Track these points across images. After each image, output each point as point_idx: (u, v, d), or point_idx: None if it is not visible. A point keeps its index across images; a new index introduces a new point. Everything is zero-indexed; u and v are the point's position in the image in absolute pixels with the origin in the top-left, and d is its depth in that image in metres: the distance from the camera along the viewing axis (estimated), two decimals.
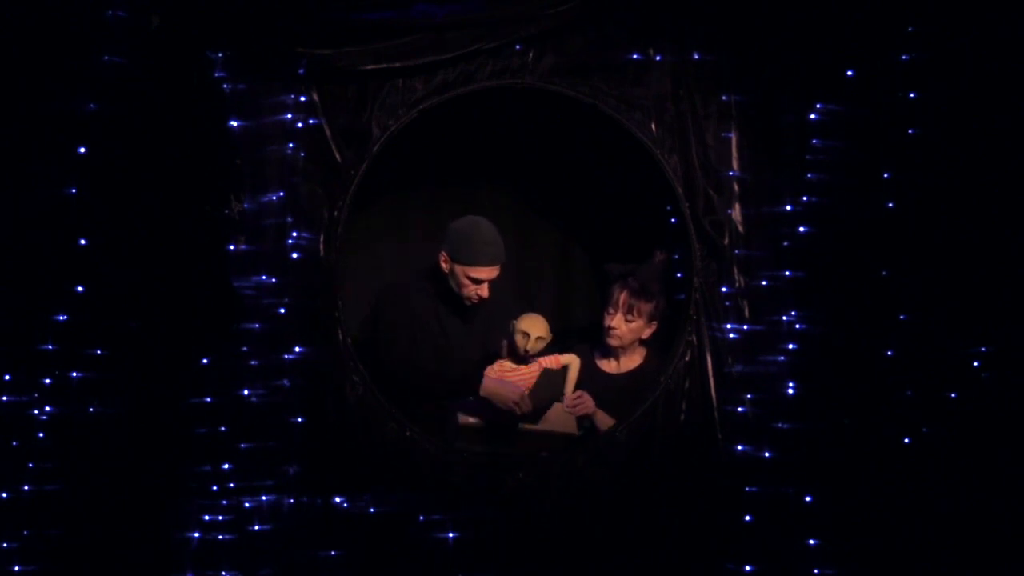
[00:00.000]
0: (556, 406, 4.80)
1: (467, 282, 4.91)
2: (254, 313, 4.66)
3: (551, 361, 4.88)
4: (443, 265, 4.94)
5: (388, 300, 5.04)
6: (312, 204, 4.72)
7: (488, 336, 5.02)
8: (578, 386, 4.88)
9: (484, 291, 4.94)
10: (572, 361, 4.89)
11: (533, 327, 4.79)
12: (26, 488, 4.52)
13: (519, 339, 4.78)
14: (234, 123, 4.68)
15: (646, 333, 5.05)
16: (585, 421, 4.88)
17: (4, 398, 4.54)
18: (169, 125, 4.63)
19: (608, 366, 5.11)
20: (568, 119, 5.17)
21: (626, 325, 4.99)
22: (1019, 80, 4.88)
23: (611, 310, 5.01)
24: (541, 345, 4.80)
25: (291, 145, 4.71)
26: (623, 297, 4.98)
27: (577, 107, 4.90)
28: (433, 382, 4.92)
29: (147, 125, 4.63)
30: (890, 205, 4.92)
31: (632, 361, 5.10)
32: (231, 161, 4.68)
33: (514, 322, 4.82)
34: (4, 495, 4.51)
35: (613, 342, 5.03)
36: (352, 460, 4.67)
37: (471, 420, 4.73)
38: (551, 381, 4.84)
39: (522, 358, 4.82)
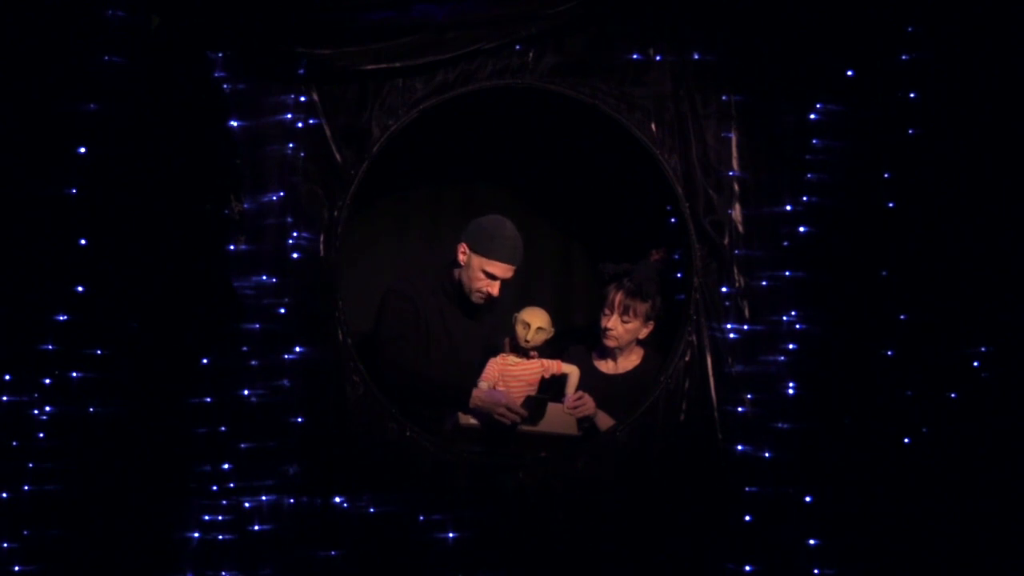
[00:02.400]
0: (556, 407, 4.80)
1: (481, 276, 4.90)
2: (254, 313, 4.66)
3: (553, 365, 4.88)
4: (460, 257, 4.93)
5: (393, 303, 4.99)
6: (312, 204, 4.72)
7: (492, 338, 5.03)
8: (576, 388, 4.88)
9: (495, 290, 4.92)
10: (572, 371, 4.89)
11: (534, 318, 4.79)
12: (26, 488, 4.51)
13: (520, 329, 4.78)
14: (234, 123, 4.68)
15: (643, 333, 5.04)
16: (585, 422, 4.88)
17: (4, 398, 4.54)
18: (169, 125, 4.64)
19: (606, 367, 5.09)
20: (568, 119, 5.17)
21: (622, 326, 4.98)
22: (1019, 80, 4.89)
23: (607, 311, 4.99)
24: (542, 336, 4.79)
25: (291, 145, 4.71)
26: (618, 298, 4.96)
27: (577, 107, 4.90)
28: (437, 386, 4.88)
29: (147, 125, 4.63)
30: (890, 205, 4.92)
31: (630, 362, 5.08)
32: (231, 161, 4.68)
33: (516, 313, 4.83)
34: (4, 495, 4.51)
35: (610, 343, 5.02)
36: (352, 460, 4.66)
37: (472, 421, 4.72)
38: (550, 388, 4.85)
39: (524, 351, 4.82)
